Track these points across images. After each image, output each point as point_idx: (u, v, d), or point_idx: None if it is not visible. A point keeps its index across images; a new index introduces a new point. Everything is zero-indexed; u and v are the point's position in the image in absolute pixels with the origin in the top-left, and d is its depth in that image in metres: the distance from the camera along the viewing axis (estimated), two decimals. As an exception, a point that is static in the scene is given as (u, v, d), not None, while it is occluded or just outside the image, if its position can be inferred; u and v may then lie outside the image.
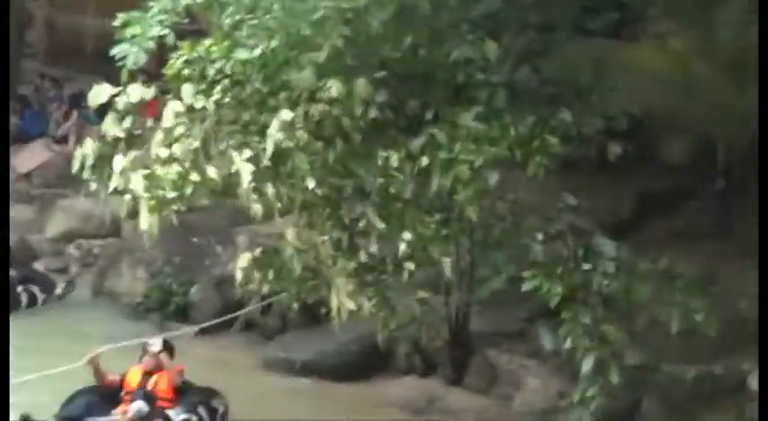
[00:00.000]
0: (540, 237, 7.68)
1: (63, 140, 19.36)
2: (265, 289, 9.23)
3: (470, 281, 10.86)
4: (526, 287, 7.73)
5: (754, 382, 8.96)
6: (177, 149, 7.05)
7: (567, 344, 7.74)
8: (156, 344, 10.09)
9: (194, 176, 7.14)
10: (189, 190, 7.22)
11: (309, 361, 12.18)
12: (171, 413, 9.62)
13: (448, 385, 11.59)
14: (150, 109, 7.81)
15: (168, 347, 10.16)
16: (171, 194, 7.18)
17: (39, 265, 15.46)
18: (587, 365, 7.73)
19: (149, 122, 7.53)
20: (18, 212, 18.00)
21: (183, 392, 9.92)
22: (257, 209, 7.13)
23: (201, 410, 9.78)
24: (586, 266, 7.62)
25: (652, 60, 9.74)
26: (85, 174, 7.36)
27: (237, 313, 11.62)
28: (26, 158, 19.63)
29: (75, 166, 7.37)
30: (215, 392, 10.28)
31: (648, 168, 11.69)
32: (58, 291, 14.35)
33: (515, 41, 7.47)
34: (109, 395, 9.80)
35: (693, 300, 7.94)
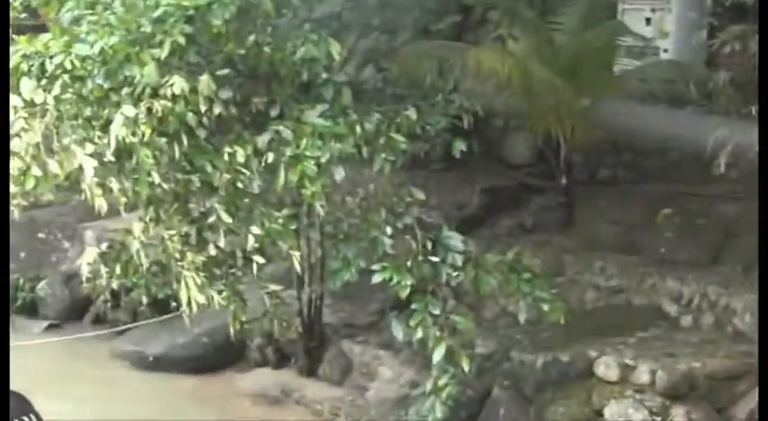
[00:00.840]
0: (389, 230, 7.72)
1: None
2: (115, 284, 9.10)
3: (321, 274, 10.90)
4: (376, 279, 7.78)
5: (599, 369, 9.18)
6: (16, 144, 6.88)
7: (418, 334, 7.80)
8: None
9: (35, 171, 6.98)
10: (30, 184, 7.06)
11: (161, 354, 12.04)
12: None
13: (302, 376, 11.58)
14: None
15: None
16: (11, 189, 7.00)
17: None
18: (438, 355, 7.81)
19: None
20: None
21: None
22: (101, 204, 7.01)
23: None
24: (435, 259, 7.70)
25: (493, 62, 9.94)
26: None
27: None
28: None
29: None
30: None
31: (494, 165, 11.97)
32: None
33: (360, 42, 7.51)
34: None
35: (539, 291, 8.10)
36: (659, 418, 8.70)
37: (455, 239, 7.85)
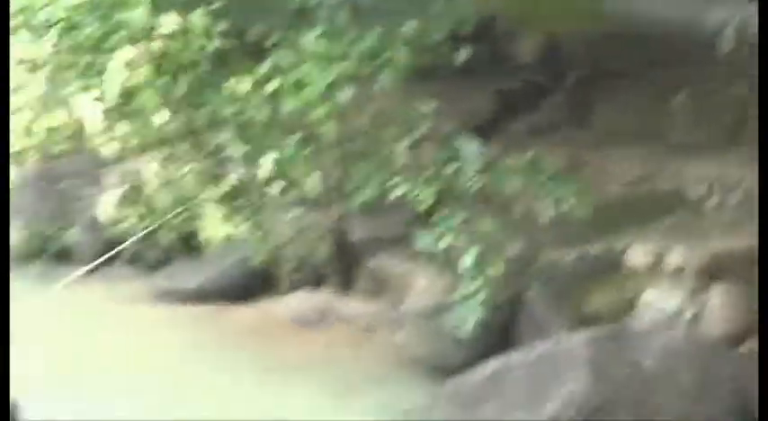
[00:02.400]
0: (403, 144, 7.69)
1: None
2: (140, 225, 9.14)
3: (342, 193, 10.89)
4: (396, 194, 7.76)
5: (630, 258, 9.16)
6: (20, 99, 6.86)
7: (445, 243, 7.79)
8: None
9: (44, 123, 6.97)
10: (41, 137, 7.05)
11: (195, 288, 12.12)
12: None
13: (337, 296, 11.64)
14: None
15: None
16: (23, 143, 7.00)
17: None
18: (468, 261, 7.81)
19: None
20: None
21: None
22: (111, 149, 7.00)
23: None
24: (452, 168, 7.66)
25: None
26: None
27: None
28: None
29: None
30: None
31: (503, 68, 11.85)
32: None
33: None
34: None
35: (563, 188, 8.06)
36: (694, 301, 8.70)
37: (471, 145, 7.80)
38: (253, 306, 11.95)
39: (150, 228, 10.23)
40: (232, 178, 7.83)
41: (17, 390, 8.37)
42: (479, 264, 7.84)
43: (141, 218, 8.63)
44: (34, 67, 6.78)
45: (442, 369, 9.29)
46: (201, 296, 12.05)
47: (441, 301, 10.08)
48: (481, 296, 7.86)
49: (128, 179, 10.87)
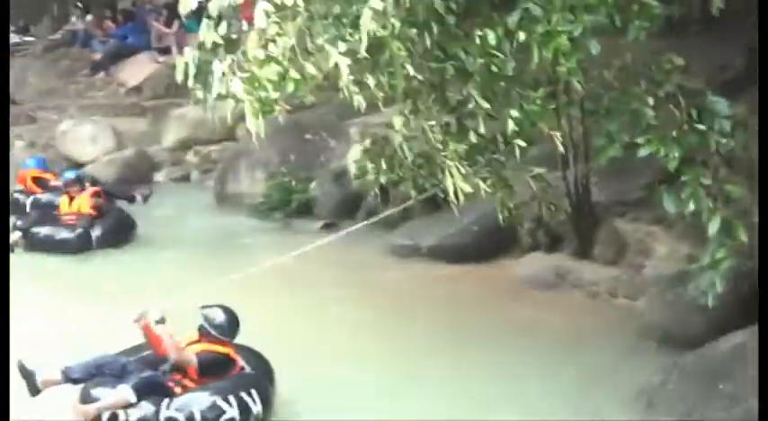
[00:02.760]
0: (650, 101, 7.44)
1: (166, 51, 19.56)
2: (382, 178, 9.21)
3: (586, 152, 10.70)
4: (642, 153, 7.52)
5: None
6: (273, 49, 6.97)
7: (691, 207, 7.52)
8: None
9: (293, 74, 7.07)
10: (290, 88, 7.15)
11: (434, 245, 12.22)
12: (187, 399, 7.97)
13: (575, 258, 11.51)
14: (246, 12, 7.74)
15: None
16: (272, 95, 7.12)
17: (160, 176, 15.71)
18: (714, 227, 7.50)
19: (245, 26, 7.43)
20: (132, 126, 18.44)
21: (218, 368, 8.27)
22: (360, 101, 7.04)
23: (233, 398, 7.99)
24: (701, 127, 7.38)
25: None
26: (189, 83, 7.32)
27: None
28: (133, 72, 19.94)
29: (179, 75, 7.33)
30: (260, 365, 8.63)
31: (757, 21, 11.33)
32: (139, 198, 14.40)
33: None
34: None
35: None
36: None
37: (721, 104, 7.47)
38: (490, 266, 11.98)
39: (391, 183, 10.31)
40: (476, 133, 7.76)
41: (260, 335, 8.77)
42: (726, 230, 7.50)
43: (384, 172, 8.66)
44: (286, 17, 6.89)
45: (683, 339, 9.03)
46: (438, 254, 12.15)
47: (683, 268, 9.82)
48: (726, 264, 7.52)
49: (373, 132, 10.99)
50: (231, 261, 11.32)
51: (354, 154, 8.43)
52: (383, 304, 10.87)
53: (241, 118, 7.50)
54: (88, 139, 17.41)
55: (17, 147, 18.91)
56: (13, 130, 19.34)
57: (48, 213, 13.85)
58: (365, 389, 8.67)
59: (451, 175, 7.77)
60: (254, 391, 8.00)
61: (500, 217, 8.66)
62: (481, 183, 7.97)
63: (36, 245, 13.32)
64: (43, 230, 13.45)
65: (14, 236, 13.31)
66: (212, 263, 12.07)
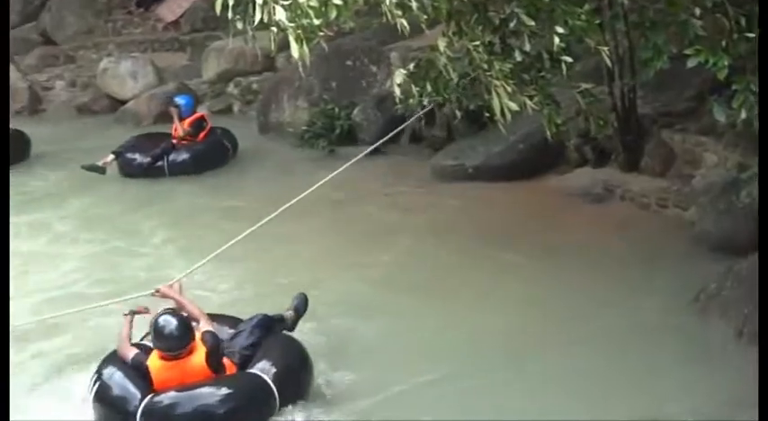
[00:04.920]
0: (697, 11, 7.33)
1: (203, -16, 19.45)
2: (426, 101, 9.18)
3: (632, 65, 10.62)
4: (691, 63, 7.42)
5: None
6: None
7: (742, 115, 7.44)
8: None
9: (336, 0, 7.02)
10: (332, 14, 7.10)
11: (480, 165, 12.20)
12: None
13: (623, 171, 11.47)
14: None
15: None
16: (315, 21, 7.08)
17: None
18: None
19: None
20: (172, 60, 18.45)
21: None
22: (403, 24, 6.98)
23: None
24: (751, 35, 7.26)
25: None
26: (229, 14, 7.28)
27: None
28: (171, 8, 19.88)
29: (218, 7, 7.30)
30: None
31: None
32: None
33: None
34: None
35: None
36: None
37: (773, 12, 7.35)
38: (537, 182, 11.96)
39: (436, 105, 10.28)
40: (521, 52, 7.69)
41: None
42: (777, 137, 7.41)
43: (428, 94, 8.62)
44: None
45: (736, 246, 9.02)
46: (484, 173, 12.13)
47: (732, 177, 9.77)
48: (777, 173, 7.45)
49: (415, 55, 10.94)
50: (280, 188, 11.40)
51: (398, 77, 8.36)
52: (430, 225, 10.95)
53: (281, 48, 7.47)
54: (129, 76, 17.43)
55: (58, 87, 18.99)
56: (53, 70, 19.45)
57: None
58: (433, 313, 8.85)
59: (498, 95, 7.72)
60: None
61: (547, 133, 8.61)
62: (527, 101, 7.92)
63: (128, 169, 13.69)
64: (137, 156, 13.73)
65: (108, 158, 13.66)
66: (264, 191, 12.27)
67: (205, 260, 8.73)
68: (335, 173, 9.55)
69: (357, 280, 9.60)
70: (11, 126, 14.14)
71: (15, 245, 9.98)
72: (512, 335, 8.37)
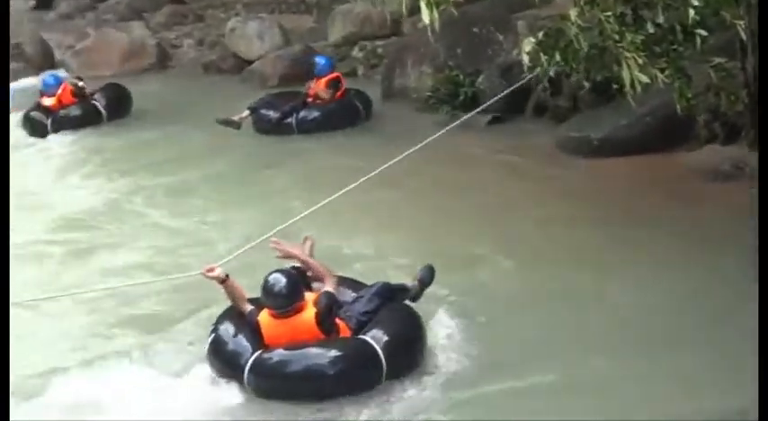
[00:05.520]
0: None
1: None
2: (552, 71, 9.08)
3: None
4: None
5: None
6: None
7: None
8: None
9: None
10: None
11: (605, 137, 12.00)
12: None
13: (753, 150, 11.18)
14: None
15: None
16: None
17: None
18: None
19: None
20: (298, 22, 18.56)
21: None
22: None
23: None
24: None
25: None
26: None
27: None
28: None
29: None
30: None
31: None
32: None
33: None
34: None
35: None
36: None
37: None
38: (664, 157, 11.73)
39: (562, 75, 10.14)
40: (653, 23, 7.54)
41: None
42: None
43: (557, 64, 8.50)
44: None
45: None
46: (610, 145, 11.94)
47: None
48: None
49: (543, 25, 10.80)
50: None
51: (527, 46, 8.26)
52: (554, 199, 10.85)
53: (410, 12, 7.43)
54: (255, 36, 17.59)
55: (186, 46, 19.24)
56: (182, 29, 19.71)
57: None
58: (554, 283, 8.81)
59: (628, 66, 7.60)
60: None
61: (677, 107, 8.44)
62: (659, 74, 7.77)
63: (260, 124, 14.13)
64: (270, 113, 14.11)
65: (244, 113, 14.13)
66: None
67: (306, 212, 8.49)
68: (443, 130, 9.49)
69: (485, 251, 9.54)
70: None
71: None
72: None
